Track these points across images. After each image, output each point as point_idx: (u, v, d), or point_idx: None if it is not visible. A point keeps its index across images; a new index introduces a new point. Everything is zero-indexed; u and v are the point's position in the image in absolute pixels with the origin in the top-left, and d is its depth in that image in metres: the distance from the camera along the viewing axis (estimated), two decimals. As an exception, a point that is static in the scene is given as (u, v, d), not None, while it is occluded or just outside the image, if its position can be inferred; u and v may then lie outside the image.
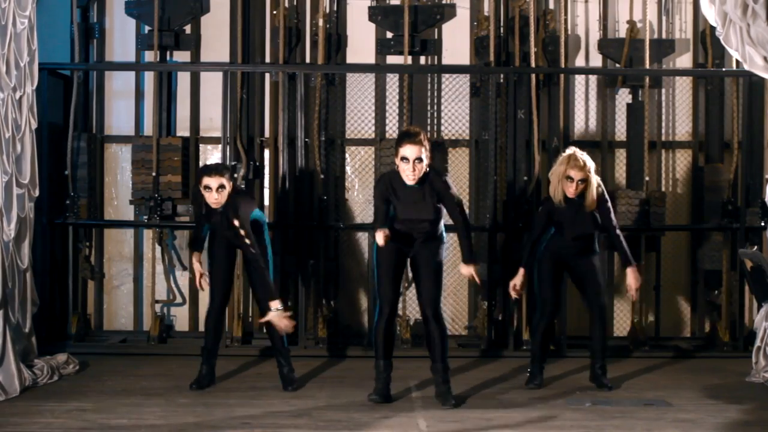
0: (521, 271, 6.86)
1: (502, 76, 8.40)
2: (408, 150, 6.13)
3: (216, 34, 8.82)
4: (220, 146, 8.31)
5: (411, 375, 7.14)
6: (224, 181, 6.59)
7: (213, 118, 8.74)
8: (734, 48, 6.90)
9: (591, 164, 6.75)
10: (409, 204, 6.25)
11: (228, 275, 6.89)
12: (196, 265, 6.91)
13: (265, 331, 7.05)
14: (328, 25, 8.69)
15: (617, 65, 8.71)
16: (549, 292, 6.83)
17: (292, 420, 5.88)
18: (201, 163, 8.77)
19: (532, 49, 8.51)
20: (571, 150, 6.81)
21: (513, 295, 6.88)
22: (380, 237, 6.18)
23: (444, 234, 6.41)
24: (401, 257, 6.38)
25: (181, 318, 8.84)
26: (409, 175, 6.16)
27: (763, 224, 8.15)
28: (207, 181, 6.58)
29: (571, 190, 6.69)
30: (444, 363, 6.30)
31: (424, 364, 6.95)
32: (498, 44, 8.60)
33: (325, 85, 8.60)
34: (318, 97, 8.51)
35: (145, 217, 8.39)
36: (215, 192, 6.58)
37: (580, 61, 8.95)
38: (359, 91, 8.70)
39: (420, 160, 6.14)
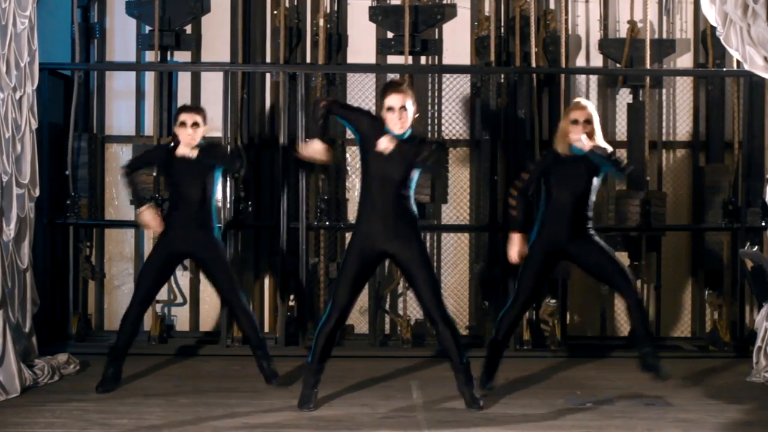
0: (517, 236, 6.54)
1: (502, 76, 8.41)
2: (393, 99, 5.97)
3: (216, 34, 8.83)
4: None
5: (411, 375, 7.14)
6: (199, 119, 6.64)
7: (213, 118, 8.69)
8: (735, 48, 6.90)
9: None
10: (381, 159, 5.96)
11: (160, 274, 6.74)
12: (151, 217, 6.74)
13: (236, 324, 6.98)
14: (328, 25, 8.69)
15: (618, 65, 8.71)
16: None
17: (292, 420, 5.88)
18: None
19: (533, 49, 8.51)
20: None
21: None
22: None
23: (416, 214, 6.11)
24: (370, 259, 6.07)
25: (181, 318, 8.84)
26: (396, 123, 5.97)
27: (763, 224, 8.15)
28: (183, 117, 6.63)
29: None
30: (461, 362, 6.08)
31: (424, 364, 6.96)
32: (499, 44, 8.60)
33: (326, 85, 8.60)
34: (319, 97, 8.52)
35: (146, 217, 8.38)
36: (190, 128, 6.61)
37: (580, 61, 8.95)
38: (360, 91, 8.70)
39: (405, 108, 5.97)
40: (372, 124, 6.03)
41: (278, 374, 6.81)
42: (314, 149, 6.04)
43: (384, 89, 6.09)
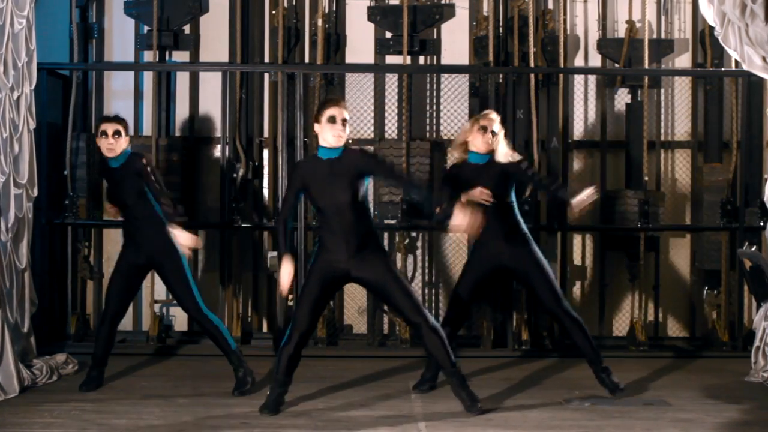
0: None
1: (501, 76, 8.40)
2: (335, 110, 5.93)
3: (215, 34, 8.83)
4: (219, 146, 8.32)
5: (411, 375, 7.13)
6: (121, 128, 6.57)
7: (212, 118, 8.74)
8: (733, 48, 6.90)
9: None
10: (324, 183, 5.94)
11: (129, 283, 6.68)
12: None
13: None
14: (327, 25, 8.69)
15: (616, 65, 8.71)
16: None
17: (291, 420, 5.88)
18: (200, 163, 8.78)
19: (531, 49, 8.51)
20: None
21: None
22: (284, 276, 5.94)
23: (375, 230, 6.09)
24: (333, 280, 6.00)
25: (180, 318, 8.83)
26: (339, 133, 5.91)
27: (762, 224, 8.15)
28: (104, 126, 6.56)
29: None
30: (452, 366, 5.99)
31: (423, 364, 6.94)
32: (497, 44, 8.61)
33: (324, 85, 8.60)
34: (317, 97, 8.51)
35: (145, 217, 8.37)
36: (111, 137, 6.54)
37: (579, 61, 8.95)
38: (358, 91, 8.70)
39: (345, 121, 5.95)
40: (306, 167, 6.01)
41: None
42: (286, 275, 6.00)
43: (322, 105, 6.04)
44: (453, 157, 6.67)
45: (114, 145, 6.54)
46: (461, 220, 5.84)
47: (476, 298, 6.67)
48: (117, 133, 6.55)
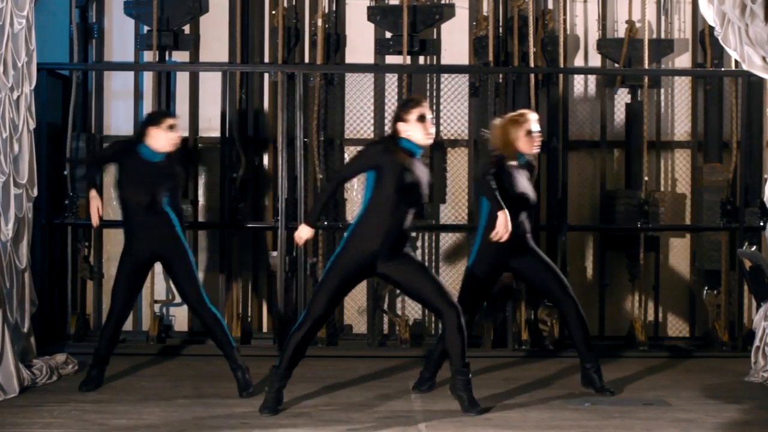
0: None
1: (501, 76, 8.40)
2: (424, 109, 5.97)
3: (215, 34, 8.83)
4: (219, 146, 8.32)
5: (411, 375, 7.13)
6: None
7: (212, 118, 8.74)
8: (733, 48, 6.90)
9: None
10: (407, 175, 5.90)
11: (134, 282, 6.63)
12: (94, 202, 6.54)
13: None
14: (327, 25, 8.70)
15: (616, 65, 8.71)
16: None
17: (291, 420, 5.88)
18: (200, 164, 8.78)
19: (531, 49, 8.51)
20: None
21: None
22: (299, 236, 6.01)
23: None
24: (358, 271, 5.96)
25: (180, 318, 8.83)
26: (431, 132, 5.98)
27: (762, 224, 8.15)
28: (172, 121, 6.59)
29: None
30: (462, 367, 5.99)
31: (423, 364, 6.94)
32: (497, 44, 8.61)
33: (324, 85, 8.60)
34: (317, 97, 8.51)
35: (144, 217, 8.37)
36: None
37: (578, 61, 8.95)
38: (358, 91, 8.71)
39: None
40: (392, 153, 5.95)
41: None
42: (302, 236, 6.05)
43: (411, 103, 6.03)
44: (495, 156, 6.45)
45: (176, 141, 6.59)
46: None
47: (493, 280, 6.55)
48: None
